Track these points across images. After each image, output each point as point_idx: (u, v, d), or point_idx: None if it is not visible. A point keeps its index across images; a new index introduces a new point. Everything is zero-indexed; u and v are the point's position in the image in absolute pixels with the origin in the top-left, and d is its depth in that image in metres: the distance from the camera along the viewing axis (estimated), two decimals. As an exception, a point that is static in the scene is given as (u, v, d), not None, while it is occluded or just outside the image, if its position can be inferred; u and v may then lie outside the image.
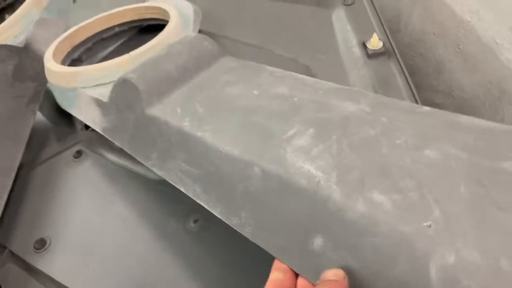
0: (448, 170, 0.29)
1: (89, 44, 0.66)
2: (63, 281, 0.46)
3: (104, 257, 0.48)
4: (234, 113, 0.40)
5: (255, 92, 0.42)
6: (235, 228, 0.36)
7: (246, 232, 0.35)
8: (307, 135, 0.35)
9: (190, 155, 0.40)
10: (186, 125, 0.40)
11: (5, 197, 0.50)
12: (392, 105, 0.37)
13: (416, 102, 0.55)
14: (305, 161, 0.33)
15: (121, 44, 0.71)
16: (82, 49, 0.66)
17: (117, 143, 0.51)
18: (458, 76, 0.82)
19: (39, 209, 0.54)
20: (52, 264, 0.48)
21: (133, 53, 0.52)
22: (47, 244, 0.50)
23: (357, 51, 0.66)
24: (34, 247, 0.49)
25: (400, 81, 0.59)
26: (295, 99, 0.40)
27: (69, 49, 0.64)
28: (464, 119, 0.33)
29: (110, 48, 0.69)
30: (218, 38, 0.71)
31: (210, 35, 0.68)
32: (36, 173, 0.59)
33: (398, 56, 0.62)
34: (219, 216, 0.38)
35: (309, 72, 0.66)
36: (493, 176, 0.27)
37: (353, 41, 0.67)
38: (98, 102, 0.51)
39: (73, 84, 0.54)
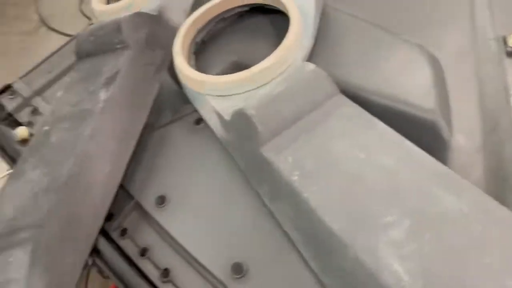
0: None
1: (211, 25, 0.69)
2: (179, 238, 0.53)
3: (218, 222, 0.54)
4: (339, 177, 0.44)
5: (362, 156, 0.45)
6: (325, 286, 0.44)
7: None
8: (402, 228, 0.37)
9: (295, 208, 0.46)
10: (295, 179, 0.45)
11: (127, 158, 0.59)
12: (491, 211, 0.37)
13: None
14: (396, 258, 0.36)
15: (238, 23, 0.72)
16: (204, 32, 0.69)
17: (234, 157, 0.57)
18: None
19: (162, 168, 0.62)
20: (170, 220, 0.56)
21: (254, 69, 0.54)
22: (166, 202, 0.57)
23: (495, 45, 0.59)
24: (156, 202, 0.58)
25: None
26: (399, 177, 0.42)
27: (194, 33, 0.67)
28: None
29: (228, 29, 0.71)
30: (330, 11, 0.65)
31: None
32: (159, 134, 0.66)
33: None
34: (313, 269, 0.44)
35: (435, 64, 0.60)
36: None
37: (492, 33, 0.60)
38: (219, 116, 0.56)
39: (198, 89, 0.59)
